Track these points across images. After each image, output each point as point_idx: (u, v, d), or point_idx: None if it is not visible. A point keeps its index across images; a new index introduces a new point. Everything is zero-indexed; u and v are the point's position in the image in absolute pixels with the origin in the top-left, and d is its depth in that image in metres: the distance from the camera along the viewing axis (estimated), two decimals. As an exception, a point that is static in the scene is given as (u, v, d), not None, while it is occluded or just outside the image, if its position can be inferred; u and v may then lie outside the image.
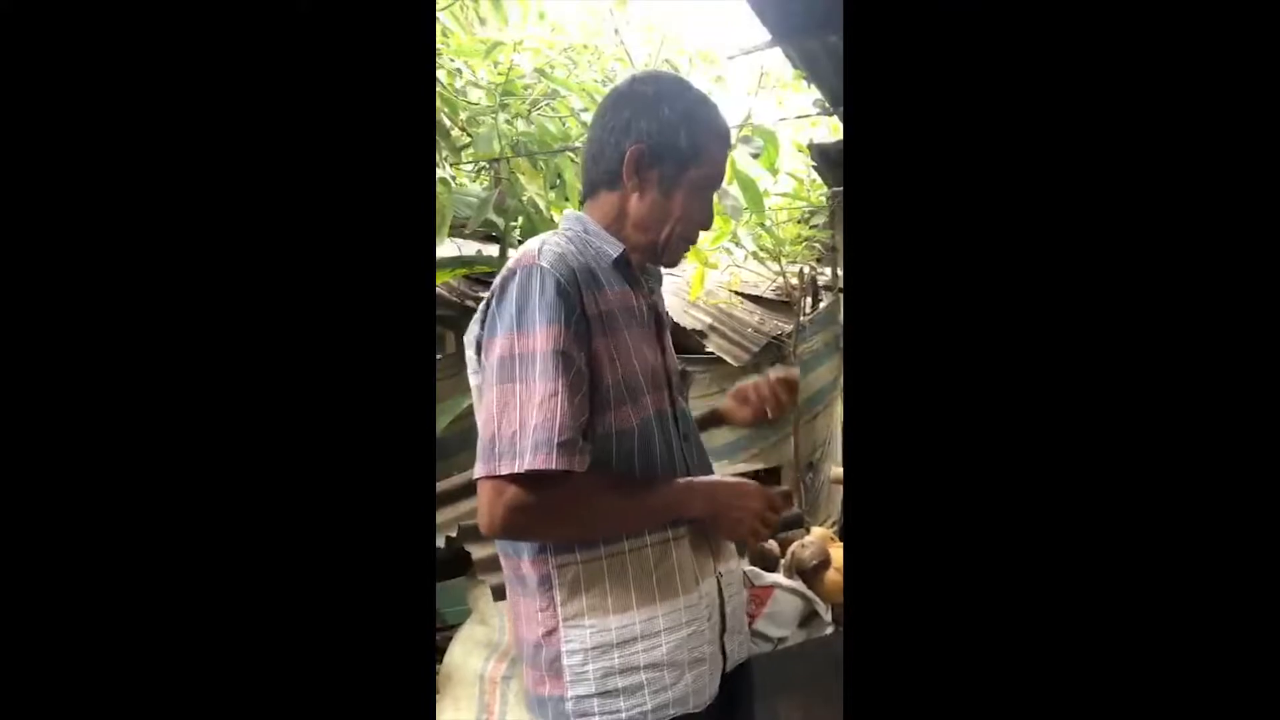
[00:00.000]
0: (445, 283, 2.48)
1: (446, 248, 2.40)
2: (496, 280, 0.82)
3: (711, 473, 0.97)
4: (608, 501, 0.81)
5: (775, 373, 1.09)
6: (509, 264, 0.82)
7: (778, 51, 2.50)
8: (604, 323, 0.82)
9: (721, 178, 0.93)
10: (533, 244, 0.84)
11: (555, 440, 0.74)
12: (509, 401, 0.76)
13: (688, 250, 0.95)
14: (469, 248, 2.58)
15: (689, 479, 0.88)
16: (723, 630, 0.90)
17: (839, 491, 3.44)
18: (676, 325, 3.35)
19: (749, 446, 3.30)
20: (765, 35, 2.40)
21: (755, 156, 2.16)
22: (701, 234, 0.95)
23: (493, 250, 2.38)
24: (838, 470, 3.70)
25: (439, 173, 1.85)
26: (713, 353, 3.45)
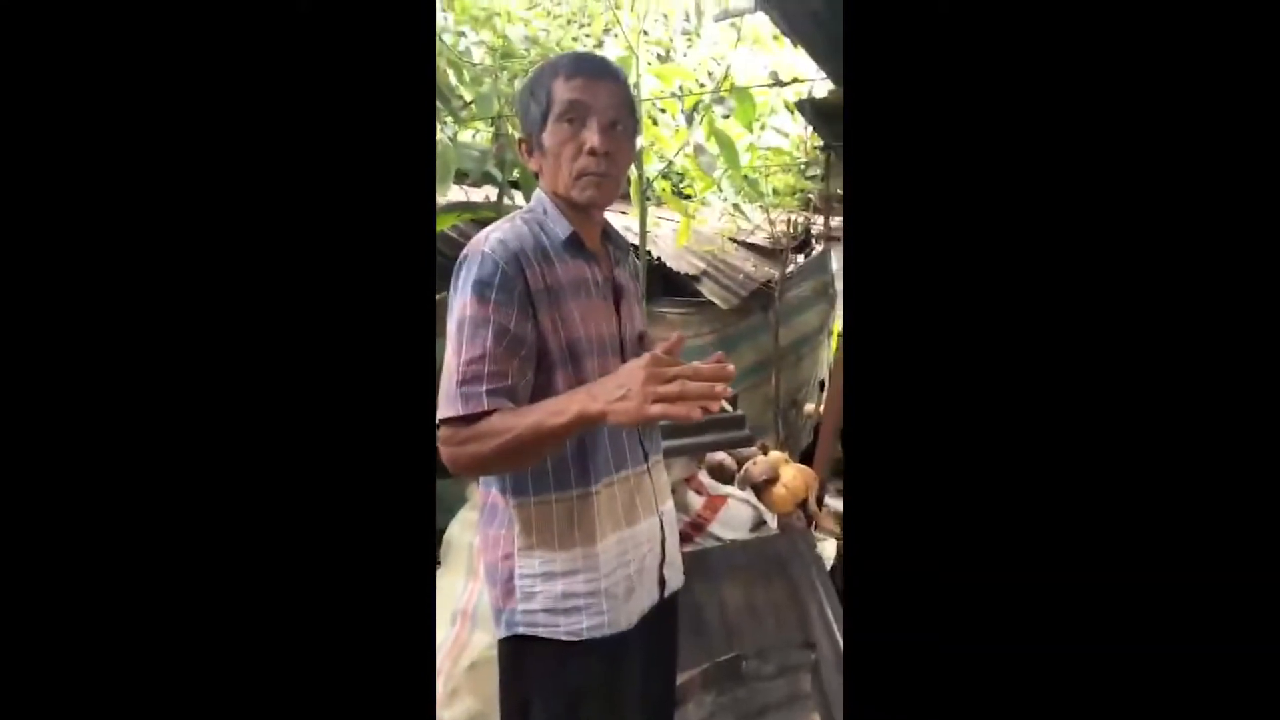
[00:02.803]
0: (454, 226, 2.78)
1: (454, 194, 2.68)
2: (457, 263, 0.94)
3: (659, 437, 1.07)
4: (518, 424, 0.86)
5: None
6: (465, 250, 0.94)
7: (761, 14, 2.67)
8: (549, 295, 0.92)
9: (581, 98, 0.94)
10: (485, 231, 0.95)
11: (484, 389, 0.86)
12: (451, 360, 0.88)
13: (597, 180, 0.96)
14: (475, 195, 2.87)
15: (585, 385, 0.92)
16: (662, 561, 1.03)
17: (812, 424, 3.75)
18: (670, 270, 3.60)
19: (732, 387, 3.56)
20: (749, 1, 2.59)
21: (726, 117, 2.38)
22: (606, 162, 0.94)
23: (493, 195, 2.67)
24: (809, 407, 4.01)
25: (444, 131, 2.12)
26: (704, 296, 3.72)
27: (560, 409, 0.85)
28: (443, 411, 0.88)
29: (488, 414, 0.87)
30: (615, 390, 0.82)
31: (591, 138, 0.94)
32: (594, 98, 0.94)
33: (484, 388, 0.87)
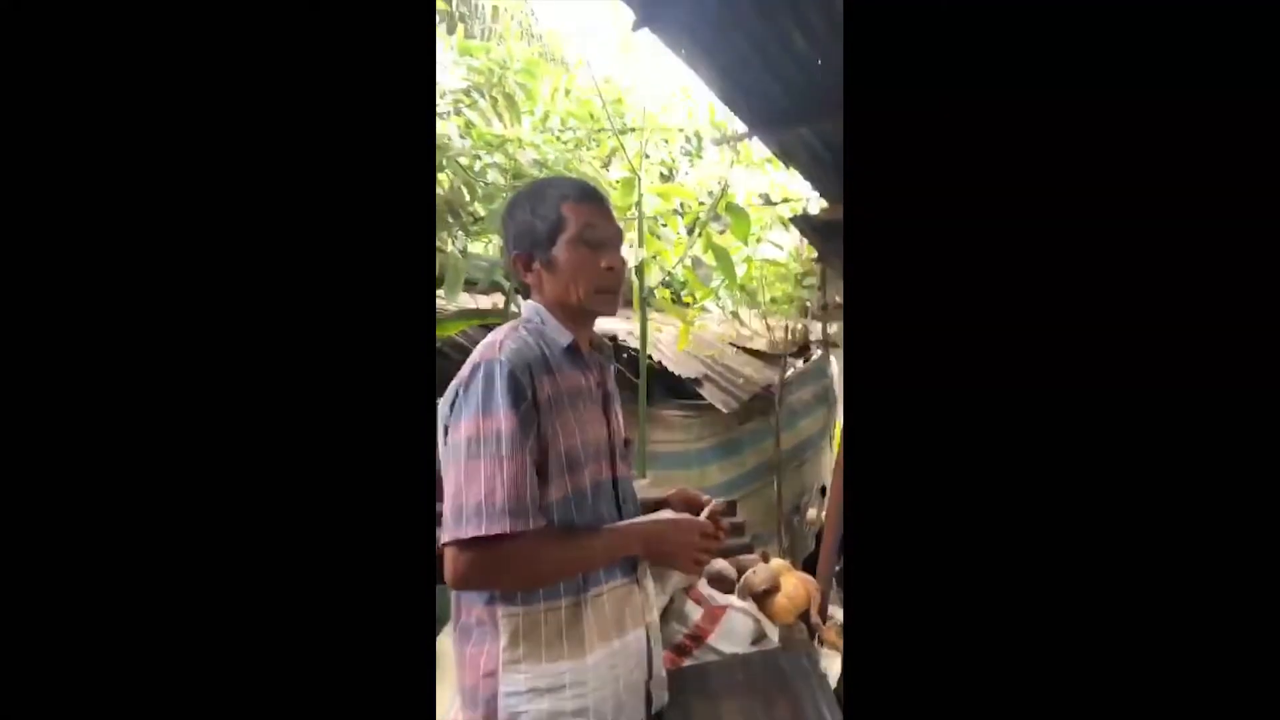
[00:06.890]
0: (462, 331, 2.87)
1: (463, 300, 2.80)
2: (465, 368, 0.94)
3: None
4: (558, 552, 0.92)
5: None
6: (476, 355, 0.95)
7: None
8: (554, 404, 0.94)
9: (596, 223, 1.01)
10: (496, 336, 0.97)
11: (509, 508, 0.87)
12: (474, 475, 0.88)
13: (613, 295, 1.04)
14: (484, 302, 2.99)
15: (630, 521, 1.02)
16: (649, 678, 1.01)
17: (814, 531, 3.68)
18: (673, 374, 3.67)
19: (733, 492, 3.55)
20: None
21: (721, 233, 2.52)
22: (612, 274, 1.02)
23: (499, 302, 2.78)
24: (812, 513, 3.95)
25: (455, 243, 2.25)
26: (705, 399, 3.76)
27: (619, 542, 0.98)
28: (466, 530, 0.87)
29: (514, 536, 0.87)
30: (671, 537, 1.01)
31: (613, 258, 1.03)
32: (607, 222, 1.04)
33: (530, 507, 0.89)
